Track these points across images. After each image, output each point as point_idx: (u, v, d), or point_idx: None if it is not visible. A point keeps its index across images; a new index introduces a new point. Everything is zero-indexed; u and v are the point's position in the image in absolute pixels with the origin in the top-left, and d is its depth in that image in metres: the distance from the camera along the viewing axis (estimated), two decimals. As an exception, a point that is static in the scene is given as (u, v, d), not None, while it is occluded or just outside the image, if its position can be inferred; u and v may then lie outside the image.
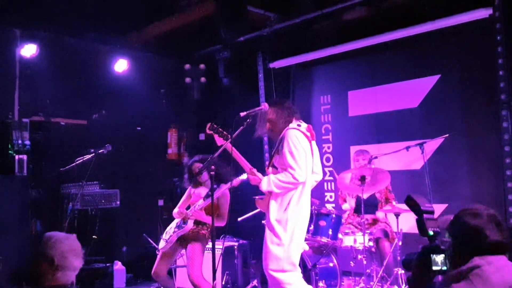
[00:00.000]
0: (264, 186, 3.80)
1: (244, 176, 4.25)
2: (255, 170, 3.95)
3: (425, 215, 2.12)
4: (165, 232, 4.92)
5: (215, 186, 4.49)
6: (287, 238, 3.75)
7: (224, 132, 3.94)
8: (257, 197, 4.05)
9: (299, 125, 3.92)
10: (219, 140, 3.97)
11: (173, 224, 4.91)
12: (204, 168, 4.28)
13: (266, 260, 3.78)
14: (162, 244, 4.83)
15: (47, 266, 2.20)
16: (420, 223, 2.12)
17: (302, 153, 3.75)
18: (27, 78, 6.37)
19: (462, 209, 2.10)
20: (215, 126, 4.01)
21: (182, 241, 4.76)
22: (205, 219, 4.70)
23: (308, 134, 3.93)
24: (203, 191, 4.90)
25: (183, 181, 5.14)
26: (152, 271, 4.78)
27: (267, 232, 3.84)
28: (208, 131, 4.01)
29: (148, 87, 7.50)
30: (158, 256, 4.84)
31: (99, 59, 7.03)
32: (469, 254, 1.98)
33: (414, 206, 2.17)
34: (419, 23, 5.74)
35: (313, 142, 4.02)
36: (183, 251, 4.84)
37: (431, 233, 2.08)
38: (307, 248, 4.13)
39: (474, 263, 1.94)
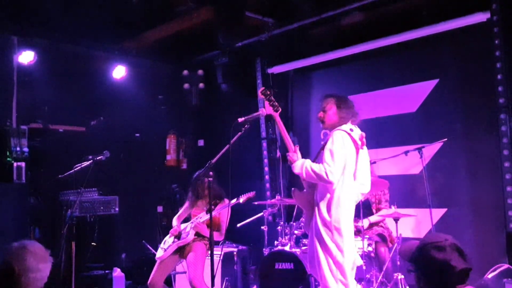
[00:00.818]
0: (297, 168, 3.76)
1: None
2: (297, 148, 3.92)
3: None
4: (163, 241, 4.91)
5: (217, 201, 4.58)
6: (340, 245, 3.59)
7: (275, 103, 3.89)
8: (295, 189, 3.97)
9: (351, 130, 3.80)
10: (268, 109, 3.91)
11: (171, 235, 4.90)
12: (202, 174, 4.25)
13: (318, 268, 3.62)
14: (160, 253, 4.81)
15: (9, 275, 2.13)
16: None
17: (342, 155, 3.64)
18: (25, 85, 6.36)
19: (424, 242, 2.10)
20: (268, 92, 3.96)
21: (182, 251, 4.76)
22: (206, 233, 4.69)
23: (359, 142, 3.81)
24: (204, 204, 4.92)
25: (188, 197, 5.12)
26: (149, 281, 4.73)
27: (317, 238, 3.66)
28: (260, 95, 3.97)
29: (146, 93, 7.51)
30: (156, 266, 4.81)
31: (97, 66, 7.04)
32: (441, 287, 2.03)
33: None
34: (416, 28, 5.74)
35: (363, 151, 3.88)
36: (183, 261, 4.83)
37: None
38: (360, 262, 3.96)
39: None
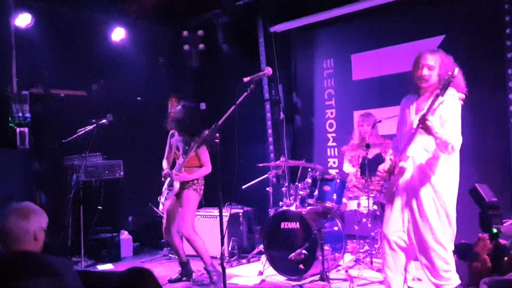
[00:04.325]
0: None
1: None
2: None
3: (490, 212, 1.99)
4: (162, 193, 5.07)
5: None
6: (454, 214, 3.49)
7: None
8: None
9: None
10: None
11: (165, 185, 5.06)
12: (209, 135, 4.19)
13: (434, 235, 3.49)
14: (161, 206, 5.05)
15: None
16: (484, 218, 1.99)
17: None
18: (23, 49, 6.25)
19: None
20: None
21: (178, 196, 4.93)
22: (188, 178, 4.86)
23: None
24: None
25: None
26: (163, 228, 5.04)
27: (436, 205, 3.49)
28: None
29: (146, 56, 7.39)
30: (165, 216, 5.04)
31: (96, 28, 6.89)
32: None
33: (478, 199, 2.03)
34: (422, -18, 5.59)
35: None
36: None
37: (494, 230, 1.96)
38: None
39: None
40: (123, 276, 1.69)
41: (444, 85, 3.25)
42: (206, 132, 3.82)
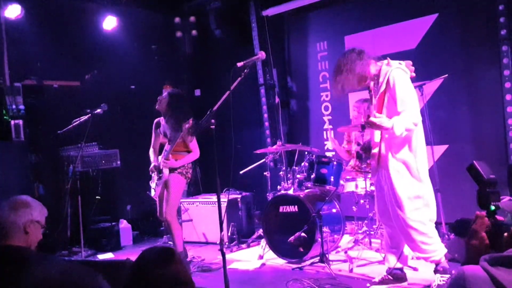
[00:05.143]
0: (398, 130, 3.53)
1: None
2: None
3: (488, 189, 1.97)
4: (152, 181, 5.07)
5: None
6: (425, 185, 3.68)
7: None
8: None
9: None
10: None
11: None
12: (204, 122, 4.18)
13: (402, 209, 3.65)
14: (152, 192, 5.04)
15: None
16: (481, 195, 1.98)
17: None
18: (15, 41, 6.18)
19: None
20: None
21: (166, 181, 4.91)
22: (176, 164, 4.85)
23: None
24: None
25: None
26: (158, 214, 5.05)
27: (400, 178, 3.66)
28: None
29: (139, 43, 7.33)
30: (157, 202, 5.04)
31: (87, 17, 6.81)
32: None
33: (476, 176, 2.02)
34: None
35: None
36: None
37: (492, 208, 1.96)
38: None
39: None
40: (153, 256, 1.69)
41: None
42: (191, 121, 3.84)
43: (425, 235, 3.62)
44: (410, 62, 3.83)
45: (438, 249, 3.66)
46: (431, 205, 3.71)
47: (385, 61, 3.74)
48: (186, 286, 1.64)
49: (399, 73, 3.62)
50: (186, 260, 5.05)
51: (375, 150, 3.78)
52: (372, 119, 3.44)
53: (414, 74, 3.78)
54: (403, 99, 3.56)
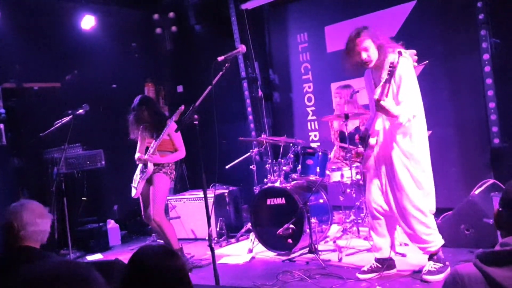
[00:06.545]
0: (404, 118, 3.55)
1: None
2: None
3: None
4: (133, 180, 5.05)
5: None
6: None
7: None
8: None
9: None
10: None
11: (137, 171, 5.05)
12: (187, 118, 4.16)
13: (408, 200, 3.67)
14: (133, 192, 5.02)
15: (9, 230, 2.33)
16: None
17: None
18: (-9, 44, 6.09)
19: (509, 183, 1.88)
20: None
21: (150, 181, 4.91)
22: (161, 161, 4.87)
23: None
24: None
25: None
26: (143, 216, 5.05)
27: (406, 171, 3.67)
28: None
29: (118, 42, 7.26)
30: (140, 203, 5.03)
31: (64, 17, 6.72)
32: None
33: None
34: None
35: None
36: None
37: None
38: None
39: None
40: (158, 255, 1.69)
41: (389, 74, 3.41)
42: (182, 107, 3.84)
43: (424, 225, 3.66)
44: (414, 52, 3.85)
45: (436, 240, 3.70)
46: (431, 195, 3.74)
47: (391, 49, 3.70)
48: (186, 286, 1.63)
49: (407, 64, 3.62)
50: (185, 258, 5.05)
51: (373, 139, 3.76)
52: (382, 103, 3.44)
53: (416, 64, 3.80)
54: (407, 90, 3.58)
